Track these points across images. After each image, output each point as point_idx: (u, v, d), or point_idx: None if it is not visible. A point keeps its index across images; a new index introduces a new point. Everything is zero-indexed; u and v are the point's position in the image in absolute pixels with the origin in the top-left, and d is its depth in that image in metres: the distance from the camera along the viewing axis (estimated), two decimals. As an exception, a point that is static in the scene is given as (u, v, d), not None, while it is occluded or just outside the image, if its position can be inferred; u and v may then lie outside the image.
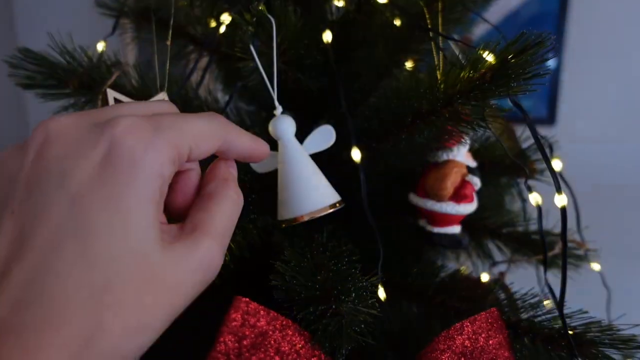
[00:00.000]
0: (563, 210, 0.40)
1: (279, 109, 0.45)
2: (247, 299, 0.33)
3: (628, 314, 0.55)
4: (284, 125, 0.44)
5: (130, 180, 0.22)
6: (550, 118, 1.48)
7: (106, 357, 0.21)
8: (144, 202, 0.22)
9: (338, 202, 0.44)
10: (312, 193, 0.43)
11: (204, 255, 0.25)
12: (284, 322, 0.34)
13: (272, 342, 0.33)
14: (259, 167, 0.47)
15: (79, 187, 0.21)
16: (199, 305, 0.27)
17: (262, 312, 0.33)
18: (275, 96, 0.45)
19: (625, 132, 1.46)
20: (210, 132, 0.27)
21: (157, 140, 0.23)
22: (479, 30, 0.84)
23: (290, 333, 0.34)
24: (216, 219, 0.27)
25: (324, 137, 0.48)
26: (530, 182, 0.65)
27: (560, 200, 0.40)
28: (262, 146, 0.32)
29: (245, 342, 0.32)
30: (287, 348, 0.33)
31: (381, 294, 0.45)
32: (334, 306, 0.38)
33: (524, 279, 0.66)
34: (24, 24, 1.65)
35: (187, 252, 0.24)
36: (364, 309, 0.41)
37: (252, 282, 0.49)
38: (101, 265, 0.21)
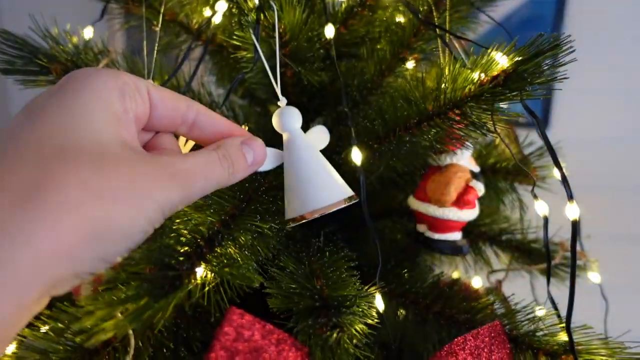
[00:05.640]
0: (574, 223, 0.38)
1: (283, 101, 0.42)
2: (241, 311, 0.31)
3: (627, 327, 0.54)
4: (291, 117, 0.41)
5: (82, 86, 0.25)
6: (544, 121, 1.48)
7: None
8: (98, 102, 0.25)
9: (352, 196, 0.41)
10: (326, 186, 0.39)
11: (160, 162, 0.27)
12: (280, 336, 0.32)
13: (267, 357, 0.30)
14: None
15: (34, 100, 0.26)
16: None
17: (257, 325, 0.31)
18: (278, 88, 0.42)
19: (620, 135, 1.46)
20: (168, 91, 0.31)
21: (106, 69, 0.27)
22: (478, 30, 0.82)
23: (287, 348, 0.32)
24: (185, 157, 0.29)
25: (318, 137, 0.44)
26: (528, 188, 0.64)
27: (572, 212, 0.39)
28: (245, 133, 0.36)
29: (238, 358, 0.29)
30: (283, 364, 0.31)
31: (380, 304, 0.43)
32: (334, 318, 0.35)
33: (518, 287, 0.64)
34: (6, 5, 1.59)
35: (144, 155, 0.27)
36: (364, 321, 0.39)
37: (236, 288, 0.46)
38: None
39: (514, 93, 0.40)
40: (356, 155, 0.47)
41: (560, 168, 0.39)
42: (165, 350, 0.44)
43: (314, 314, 0.36)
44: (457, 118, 0.45)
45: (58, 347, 0.37)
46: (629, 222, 1.46)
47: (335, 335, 0.35)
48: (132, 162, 0.25)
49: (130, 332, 0.39)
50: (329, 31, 0.52)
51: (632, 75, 1.43)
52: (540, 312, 0.48)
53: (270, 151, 0.41)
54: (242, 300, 0.37)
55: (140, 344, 0.41)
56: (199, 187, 0.29)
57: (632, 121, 1.45)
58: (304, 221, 0.39)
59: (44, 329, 0.39)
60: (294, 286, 0.40)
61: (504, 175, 0.62)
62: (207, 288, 0.35)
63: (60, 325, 0.39)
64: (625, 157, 1.47)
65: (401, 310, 0.54)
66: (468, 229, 0.65)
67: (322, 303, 0.37)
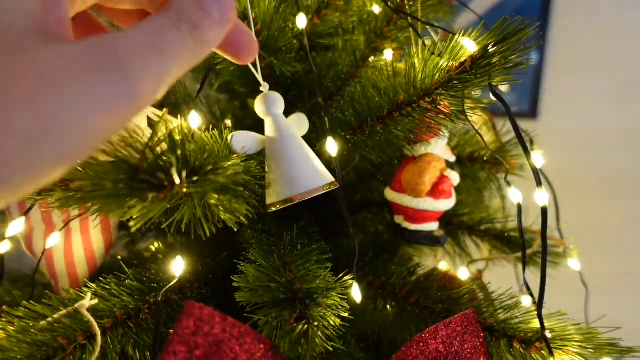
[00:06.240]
0: (544, 209, 0.38)
1: (265, 87, 0.41)
2: (201, 304, 0.30)
3: (606, 313, 0.54)
4: (274, 102, 0.41)
5: None
6: (532, 112, 1.48)
7: None
8: None
9: (333, 182, 0.41)
10: (309, 170, 0.40)
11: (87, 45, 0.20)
12: (242, 330, 0.31)
13: (228, 351, 0.30)
14: (239, 149, 0.41)
15: None
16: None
17: (217, 318, 0.30)
18: (259, 74, 0.41)
19: (608, 127, 1.46)
20: None
21: None
22: (463, 22, 0.82)
23: (249, 341, 0.31)
24: (127, 33, 0.21)
25: (297, 125, 0.45)
26: (510, 178, 0.64)
27: (541, 198, 0.38)
28: None
29: (197, 353, 0.29)
30: (244, 357, 0.30)
31: (357, 296, 0.42)
32: (300, 310, 0.35)
33: (503, 277, 0.64)
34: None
35: (71, 46, 0.20)
36: (334, 312, 0.38)
37: (214, 284, 0.46)
38: None
39: (482, 79, 0.39)
40: (331, 146, 0.46)
41: (528, 154, 0.38)
42: (137, 347, 0.44)
43: (281, 307, 0.36)
44: (428, 107, 0.44)
45: (22, 345, 0.36)
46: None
47: (301, 327, 0.34)
48: (53, 60, 0.19)
49: (98, 330, 0.39)
50: (301, 21, 0.51)
51: (621, 61, 1.43)
52: (525, 300, 0.48)
53: (252, 135, 0.41)
54: (205, 298, 0.37)
55: (109, 340, 0.41)
56: (154, 74, 0.21)
57: (630, 112, 1.45)
58: (286, 205, 0.39)
59: (9, 328, 0.38)
60: (262, 279, 0.39)
61: (481, 164, 0.61)
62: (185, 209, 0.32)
63: (24, 323, 0.38)
64: (616, 146, 1.47)
65: (380, 302, 0.54)
66: (447, 219, 0.64)
67: (291, 295, 0.37)
